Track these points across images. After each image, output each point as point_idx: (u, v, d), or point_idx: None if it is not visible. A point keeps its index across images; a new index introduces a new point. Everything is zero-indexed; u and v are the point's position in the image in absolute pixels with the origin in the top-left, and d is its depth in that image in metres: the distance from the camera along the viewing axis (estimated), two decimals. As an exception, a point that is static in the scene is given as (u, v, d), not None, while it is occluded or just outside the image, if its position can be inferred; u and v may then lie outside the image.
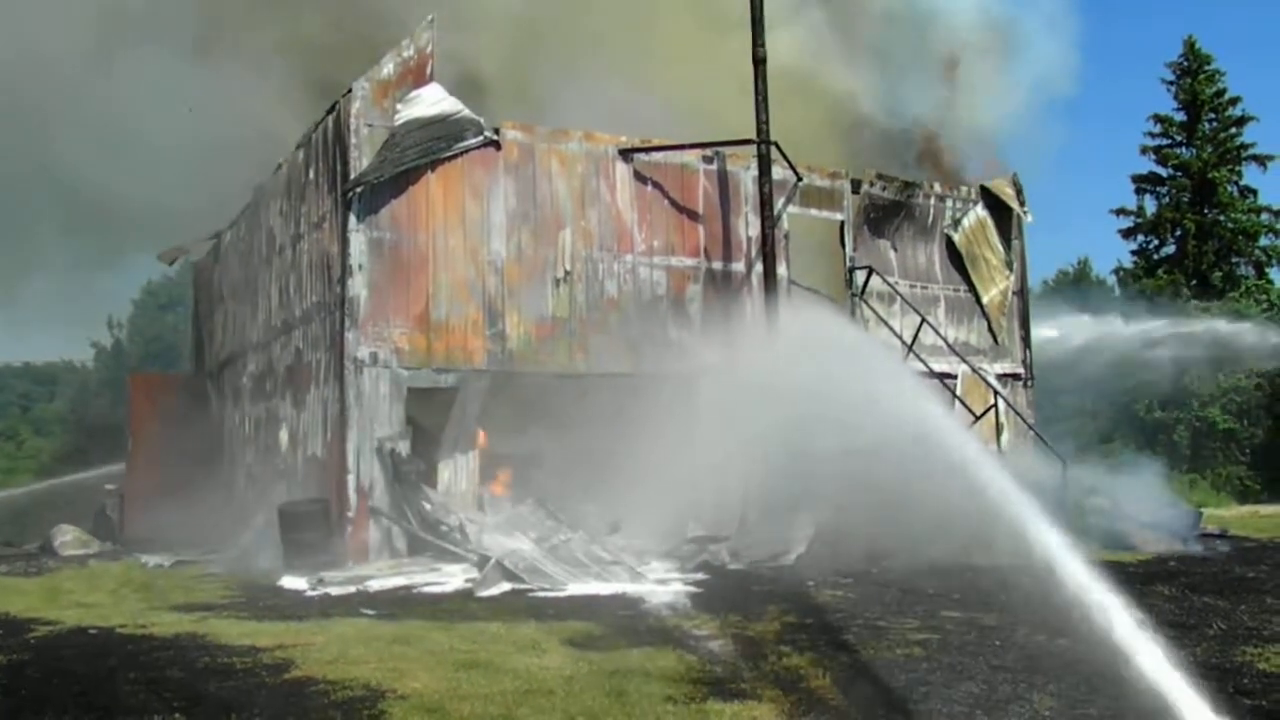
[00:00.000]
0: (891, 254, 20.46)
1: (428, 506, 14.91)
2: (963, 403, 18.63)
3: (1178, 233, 42.87)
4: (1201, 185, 42.35)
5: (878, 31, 26.39)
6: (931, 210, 21.11)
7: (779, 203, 18.14)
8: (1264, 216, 42.66)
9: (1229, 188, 42.74)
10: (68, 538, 20.05)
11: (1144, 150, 44.01)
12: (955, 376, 19.72)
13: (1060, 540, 7.69)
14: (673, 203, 17.64)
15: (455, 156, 15.87)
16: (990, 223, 21.93)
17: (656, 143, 17.57)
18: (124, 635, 10.05)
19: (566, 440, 15.61)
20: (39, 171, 28.96)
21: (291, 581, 13.65)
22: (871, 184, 20.05)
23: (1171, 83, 43.45)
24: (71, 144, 25.95)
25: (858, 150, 23.44)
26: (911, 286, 20.44)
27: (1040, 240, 65.84)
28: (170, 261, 24.33)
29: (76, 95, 25.32)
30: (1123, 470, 19.74)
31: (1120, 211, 44.19)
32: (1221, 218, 42.46)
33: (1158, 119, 43.63)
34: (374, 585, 13.08)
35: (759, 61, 17.17)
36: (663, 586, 12.74)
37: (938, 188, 21.69)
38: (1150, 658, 6.23)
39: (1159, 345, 28.57)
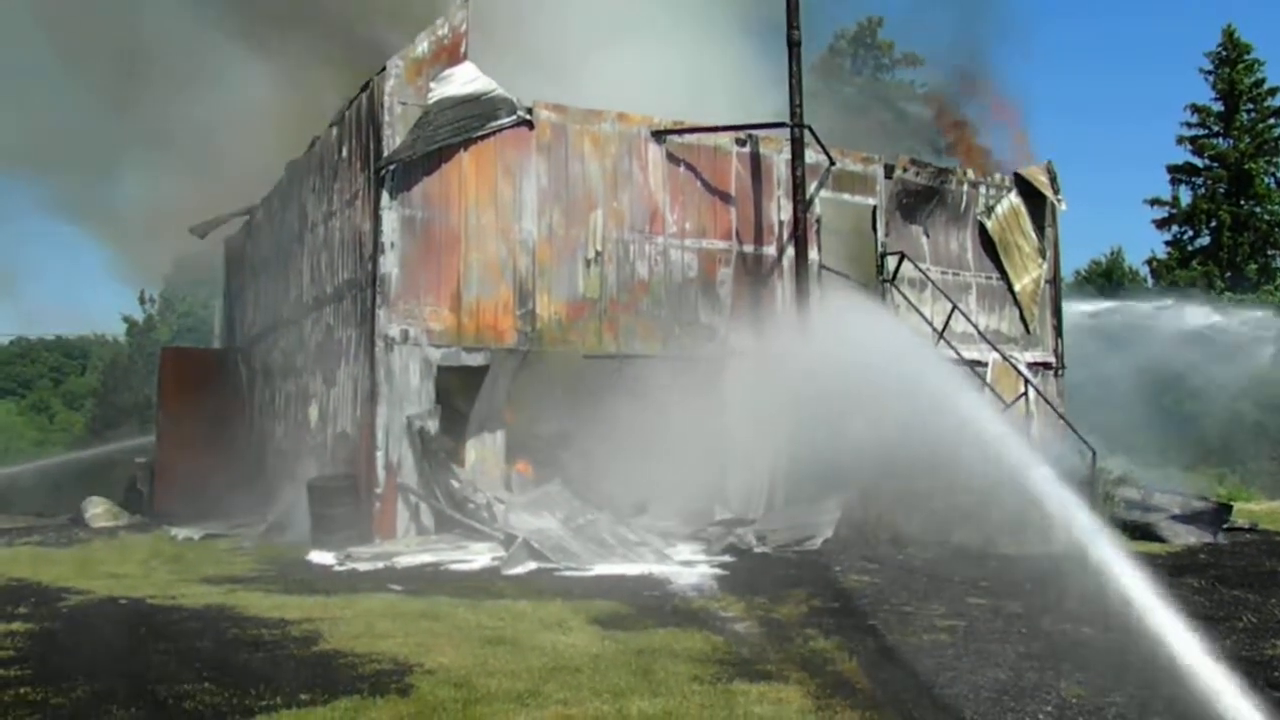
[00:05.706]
0: (924, 240, 20.34)
1: (455, 484, 14.96)
2: (993, 390, 18.52)
3: (1213, 224, 42.34)
4: (1238, 176, 41.83)
5: None
6: (965, 196, 20.96)
7: (811, 187, 18.06)
8: (1301, 209, 42.13)
9: (1266, 179, 42.21)
10: (98, 510, 20.29)
11: (1180, 140, 43.51)
12: (986, 364, 19.61)
13: (1091, 530, 7.67)
14: (705, 185, 17.58)
15: (488, 135, 15.86)
16: (1024, 210, 21.76)
17: (689, 124, 17.51)
18: (154, 606, 10.17)
19: (595, 421, 15.60)
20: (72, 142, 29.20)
21: (319, 556, 13.76)
22: (904, 169, 19.93)
23: (1209, 72, 42.91)
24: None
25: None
26: (943, 273, 20.30)
27: (1073, 229, 65.28)
28: (203, 235, 24.44)
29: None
30: (1152, 462, 19.61)
31: (1155, 202, 43.72)
32: (1258, 209, 41.95)
33: (1195, 109, 43.12)
34: (401, 561, 13.16)
35: (793, 44, 17.13)
36: (689, 568, 12.75)
37: (971, 174, 21.53)
38: (1179, 647, 6.20)
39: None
